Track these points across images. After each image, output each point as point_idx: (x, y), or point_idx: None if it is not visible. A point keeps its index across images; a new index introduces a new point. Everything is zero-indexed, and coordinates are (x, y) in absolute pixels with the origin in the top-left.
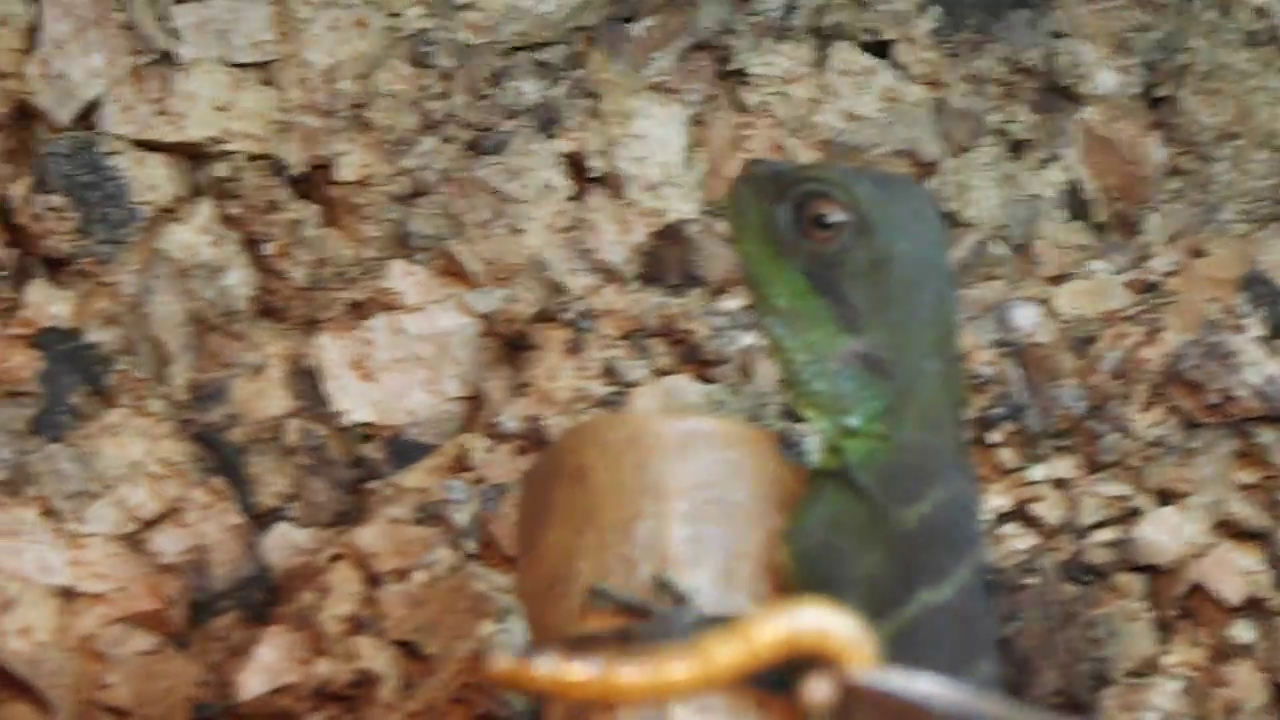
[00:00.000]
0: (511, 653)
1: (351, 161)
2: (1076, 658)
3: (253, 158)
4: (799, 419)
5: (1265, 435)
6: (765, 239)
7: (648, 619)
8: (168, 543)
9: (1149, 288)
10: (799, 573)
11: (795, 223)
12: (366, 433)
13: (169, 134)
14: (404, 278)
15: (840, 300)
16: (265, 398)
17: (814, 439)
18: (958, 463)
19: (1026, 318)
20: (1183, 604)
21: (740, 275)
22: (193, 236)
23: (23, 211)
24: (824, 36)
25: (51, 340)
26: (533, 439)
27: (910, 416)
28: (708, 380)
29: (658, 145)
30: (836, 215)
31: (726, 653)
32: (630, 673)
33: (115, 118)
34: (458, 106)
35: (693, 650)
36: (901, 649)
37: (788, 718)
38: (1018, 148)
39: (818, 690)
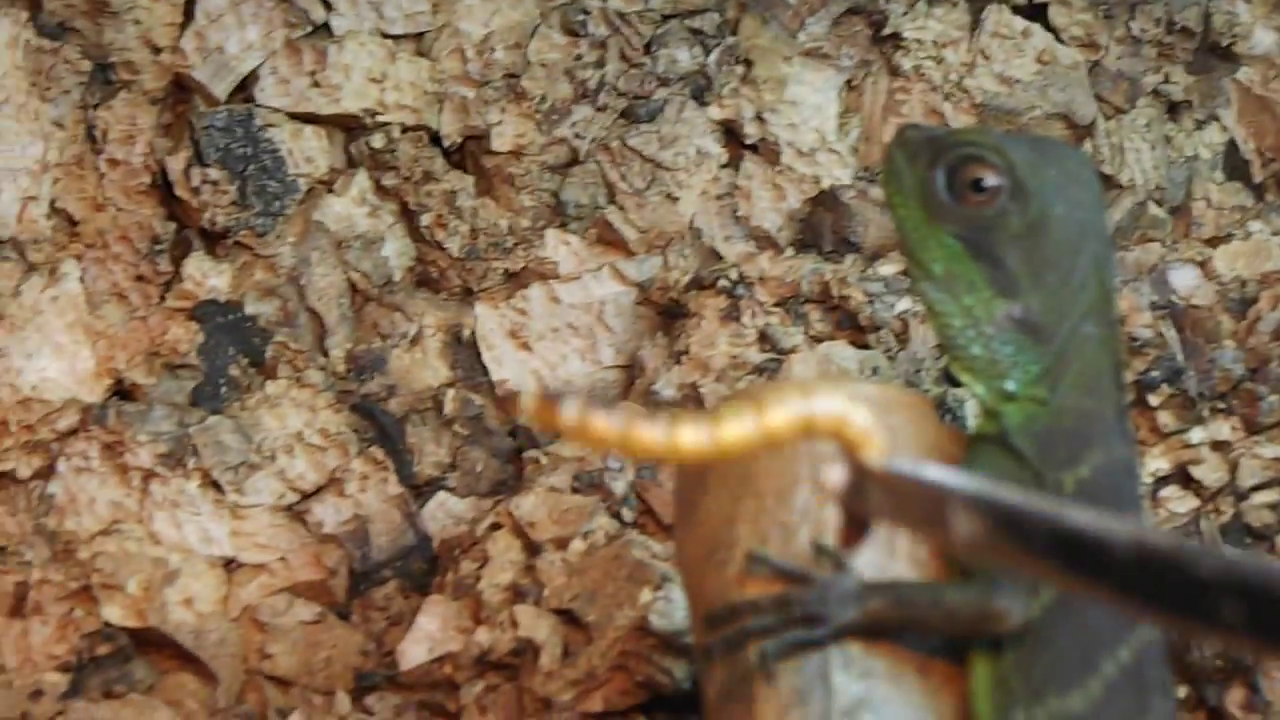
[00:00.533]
0: (548, 401)
1: (506, 131)
2: None
3: (408, 129)
4: (956, 383)
5: None
6: (920, 204)
7: (807, 585)
8: (328, 513)
9: None
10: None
11: (950, 188)
12: None
13: (324, 106)
14: (559, 247)
15: (996, 265)
16: (423, 368)
17: (971, 403)
18: (1117, 427)
19: (1185, 280)
20: None
21: (896, 241)
22: (349, 208)
23: (181, 185)
24: (978, 0)
25: (210, 313)
26: (689, 407)
27: (1069, 381)
28: (864, 346)
29: (812, 111)
30: (992, 179)
31: (740, 427)
32: (647, 431)
33: (271, 90)
34: (611, 75)
35: (709, 421)
36: (1062, 613)
37: (948, 681)
38: (1174, 109)
39: (833, 474)
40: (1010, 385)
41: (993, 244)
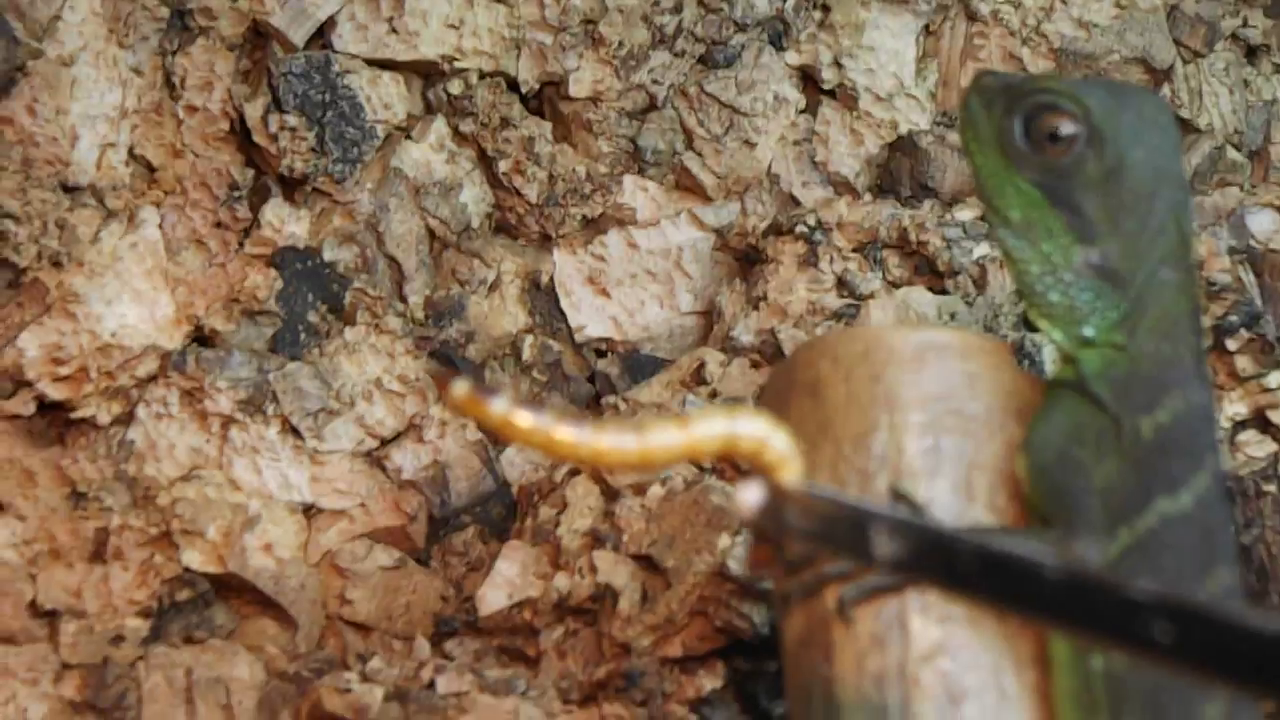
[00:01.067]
0: (469, 386)
1: (583, 77)
2: None
3: (485, 75)
4: (1034, 329)
5: None
6: (998, 152)
7: None
8: (407, 459)
9: None
10: (1036, 483)
11: (1027, 135)
12: (602, 348)
13: (402, 53)
14: (637, 193)
15: (1074, 211)
16: (501, 314)
17: (1049, 349)
18: (1196, 372)
19: (1263, 224)
20: None
21: (974, 187)
22: (427, 154)
23: (259, 131)
24: None
25: (289, 259)
26: (767, 353)
27: (1146, 326)
28: (942, 292)
29: (889, 56)
30: (1068, 127)
31: (664, 438)
32: (567, 433)
33: (349, 37)
34: (688, 21)
35: (633, 428)
36: (1138, 557)
37: (1024, 627)
38: (1253, 53)
39: (749, 495)
40: (1088, 331)
41: (1070, 190)
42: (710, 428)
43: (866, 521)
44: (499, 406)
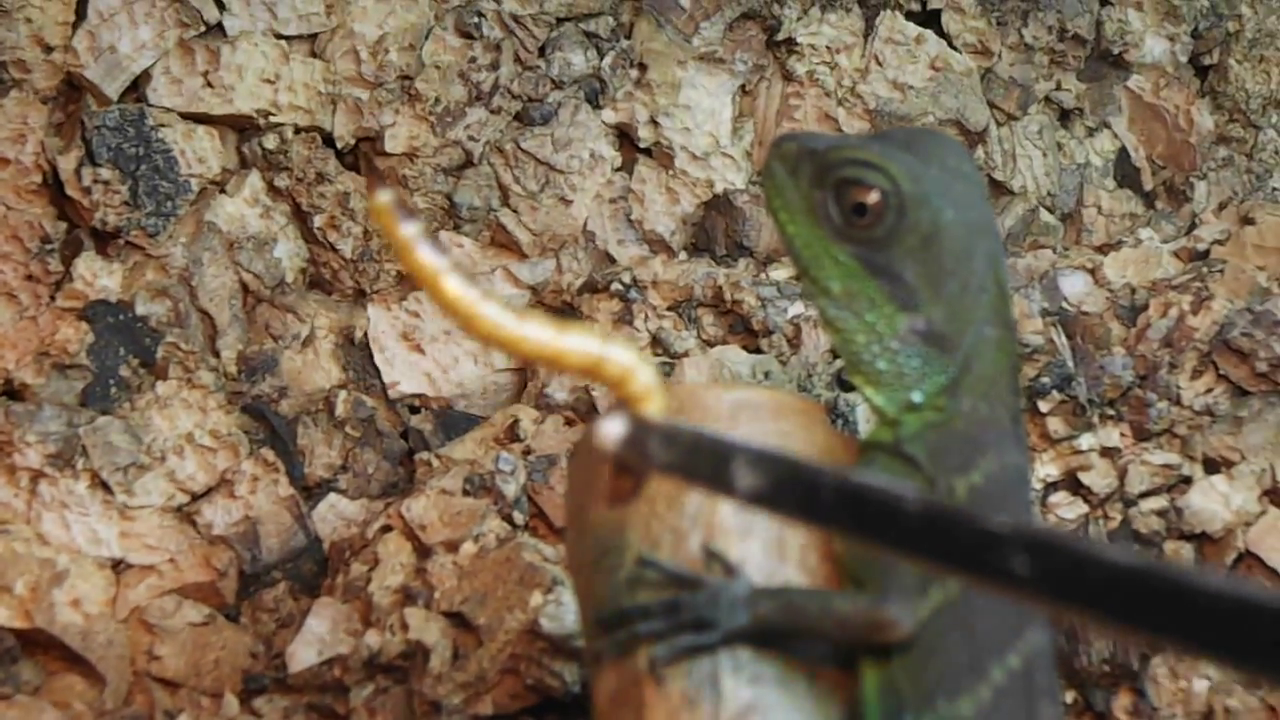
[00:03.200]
0: (396, 210)
1: (399, 133)
2: None
3: (301, 129)
4: (848, 388)
5: None
6: (812, 224)
7: (698, 590)
8: (218, 515)
9: (1197, 256)
10: (849, 549)
11: (839, 209)
12: (416, 404)
13: (217, 106)
14: (452, 249)
15: (895, 280)
16: (315, 370)
17: (863, 409)
18: (1012, 432)
19: (1075, 286)
20: (1232, 571)
21: (790, 256)
22: (241, 208)
23: (73, 184)
24: (871, 6)
25: (101, 313)
26: (581, 410)
27: (968, 386)
28: (756, 350)
29: (706, 115)
30: (876, 198)
31: (538, 335)
32: (456, 285)
33: (163, 90)
34: (505, 78)
35: (516, 314)
36: (950, 618)
37: (838, 687)
38: (1066, 116)
39: (612, 426)
40: (916, 396)
41: (889, 260)
42: (583, 344)
43: (728, 454)
44: (408, 230)
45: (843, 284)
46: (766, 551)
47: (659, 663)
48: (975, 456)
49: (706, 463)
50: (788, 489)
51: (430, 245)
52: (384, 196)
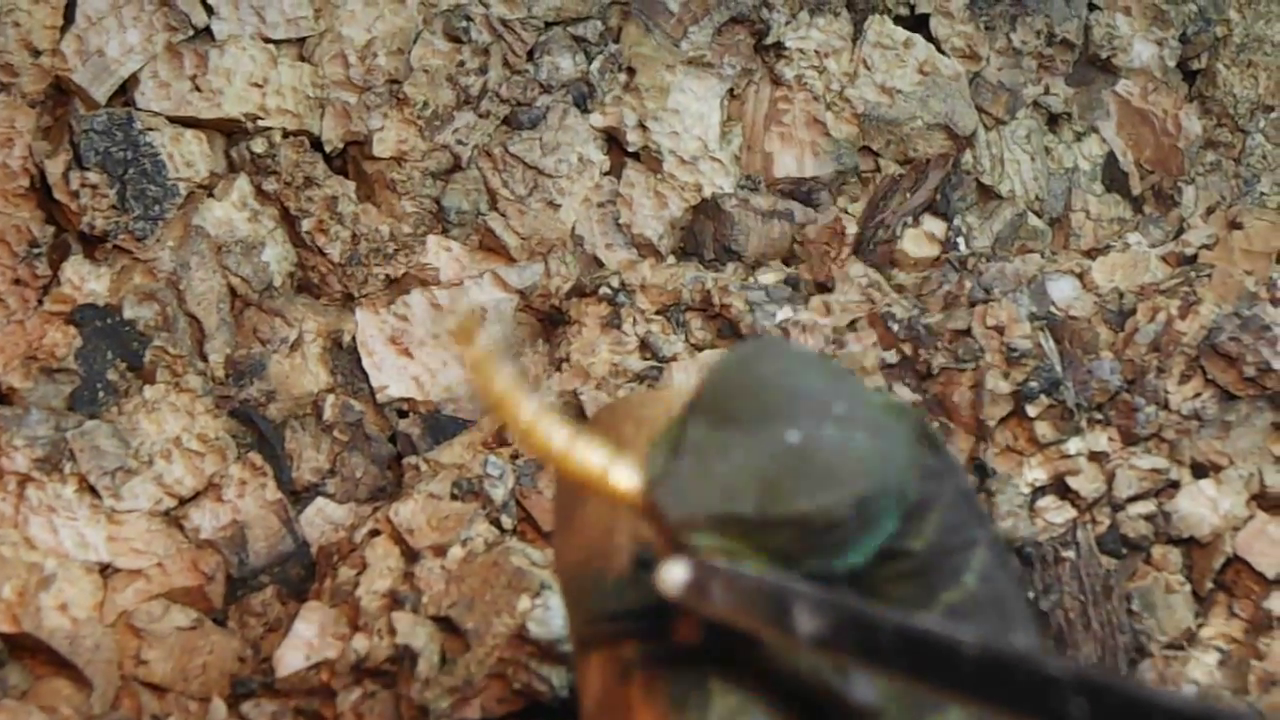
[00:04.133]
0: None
1: (388, 137)
2: (1114, 630)
3: (289, 134)
4: None
5: None
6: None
7: None
8: (205, 519)
9: (1185, 260)
10: None
11: None
12: (404, 408)
13: (205, 110)
14: (440, 253)
15: None
16: (303, 374)
17: None
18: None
19: (1063, 291)
20: (1220, 577)
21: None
22: (229, 212)
23: (60, 188)
24: (860, 10)
25: (88, 317)
26: (570, 414)
27: None
28: None
29: (694, 119)
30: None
31: (552, 435)
32: (505, 380)
33: (151, 94)
34: (494, 82)
35: (539, 411)
36: None
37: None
38: (1054, 120)
39: (675, 572)
40: None
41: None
42: (590, 457)
43: (789, 598)
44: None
45: None
46: None
47: (649, 667)
48: (924, 513)
49: (768, 607)
50: (848, 633)
51: (508, 368)
52: (462, 318)
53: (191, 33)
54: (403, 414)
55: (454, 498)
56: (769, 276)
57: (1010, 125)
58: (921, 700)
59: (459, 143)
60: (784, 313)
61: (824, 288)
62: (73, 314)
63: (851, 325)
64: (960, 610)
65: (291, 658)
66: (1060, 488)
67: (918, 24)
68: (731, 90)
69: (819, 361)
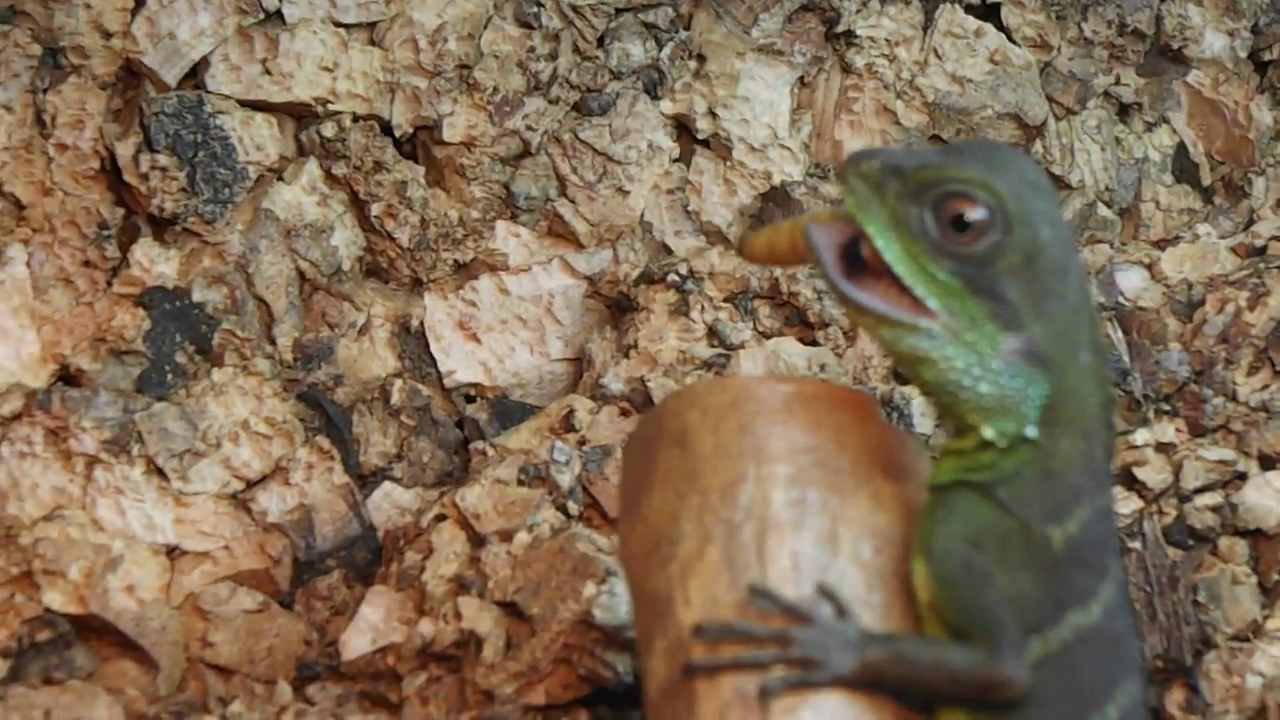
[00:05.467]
0: None
1: (457, 122)
2: (1180, 622)
3: (359, 118)
4: (904, 381)
5: None
6: (907, 241)
7: (808, 626)
8: (273, 502)
9: (1255, 252)
10: (942, 593)
11: (937, 226)
12: (471, 393)
13: (275, 94)
14: (509, 239)
15: (998, 298)
16: (371, 358)
17: (918, 403)
18: (1104, 471)
19: (1132, 281)
20: None
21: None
22: (299, 196)
23: (130, 170)
24: None
25: (158, 299)
26: (637, 401)
27: (1064, 420)
28: (812, 343)
29: (764, 107)
30: (981, 215)
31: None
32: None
33: (222, 77)
34: (564, 68)
35: None
36: (1051, 671)
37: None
38: (1125, 111)
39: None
40: (1030, 431)
41: (991, 278)
42: None
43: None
44: None
45: (942, 302)
46: (818, 544)
47: (770, 693)
48: (1071, 504)
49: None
50: None
51: None
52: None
53: (262, 16)
54: (470, 399)
55: (520, 483)
56: None
57: (1080, 115)
58: (1081, 689)
59: (529, 128)
60: None
61: None
62: (142, 296)
63: None
64: (1084, 638)
65: (357, 641)
66: (1127, 478)
67: (989, 13)
68: (802, 78)
69: None
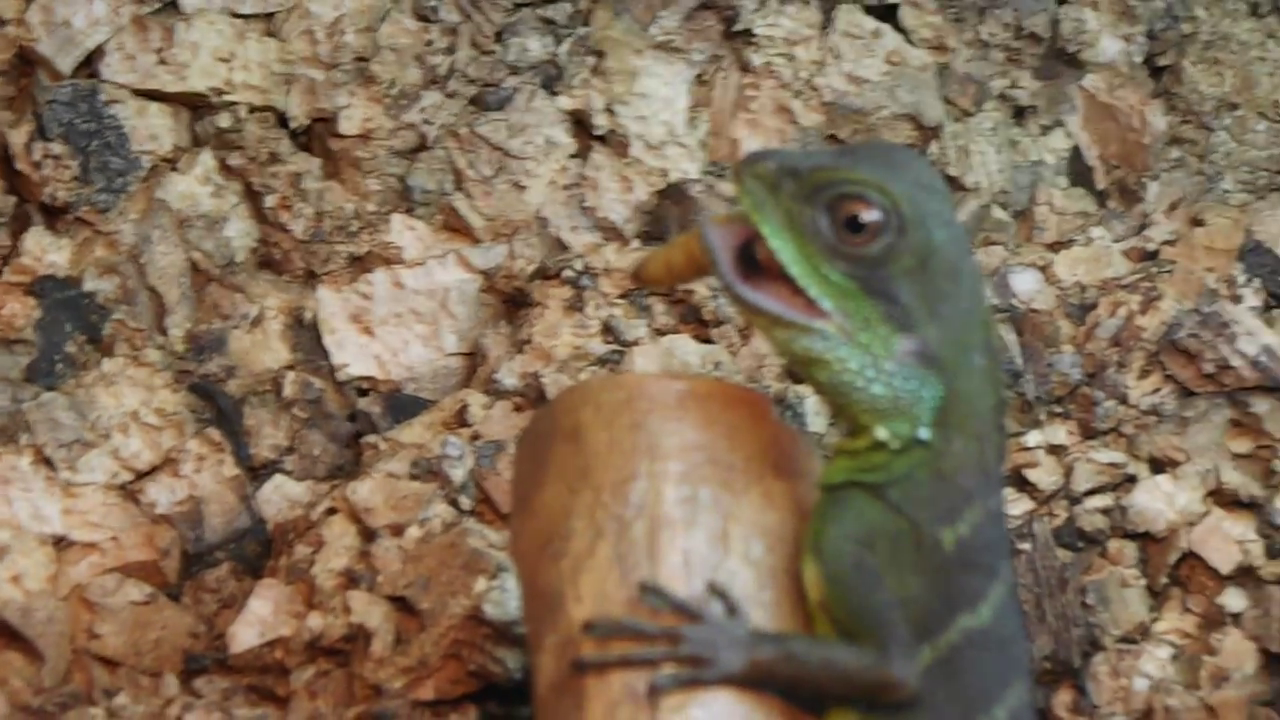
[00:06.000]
0: None
1: (354, 115)
2: (1068, 623)
3: (255, 109)
4: (799, 380)
5: (1259, 405)
6: (801, 242)
7: (698, 623)
8: (162, 493)
9: (1148, 256)
10: (833, 593)
11: (832, 227)
12: (364, 387)
13: (171, 84)
14: (404, 232)
15: (891, 300)
16: (263, 350)
17: (812, 402)
18: (995, 473)
19: (1026, 284)
20: (1174, 572)
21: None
22: (193, 187)
23: (22, 158)
24: None
25: (49, 288)
26: (531, 396)
27: (955, 423)
28: (707, 341)
29: (661, 104)
30: (875, 216)
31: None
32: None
33: (117, 66)
34: (461, 62)
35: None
36: (940, 675)
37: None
38: (1020, 113)
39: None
40: (923, 433)
41: (884, 279)
42: None
43: None
44: None
45: (836, 303)
46: (710, 542)
47: (659, 691)
48: (962, 506)
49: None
50: None
51: None
52: None
53: (158, 5)
54: (363, 392)
55: (413, 477)
56: None
57: (976, 117)
58: (970, 690)
59: (425, 122)
60: None
61: None
62: (32, 285)
63: None
64: (974, 640)
65: (245, 634)
66: (1018, 480)
67: (887, 14)
68: (700, 76)
69: None
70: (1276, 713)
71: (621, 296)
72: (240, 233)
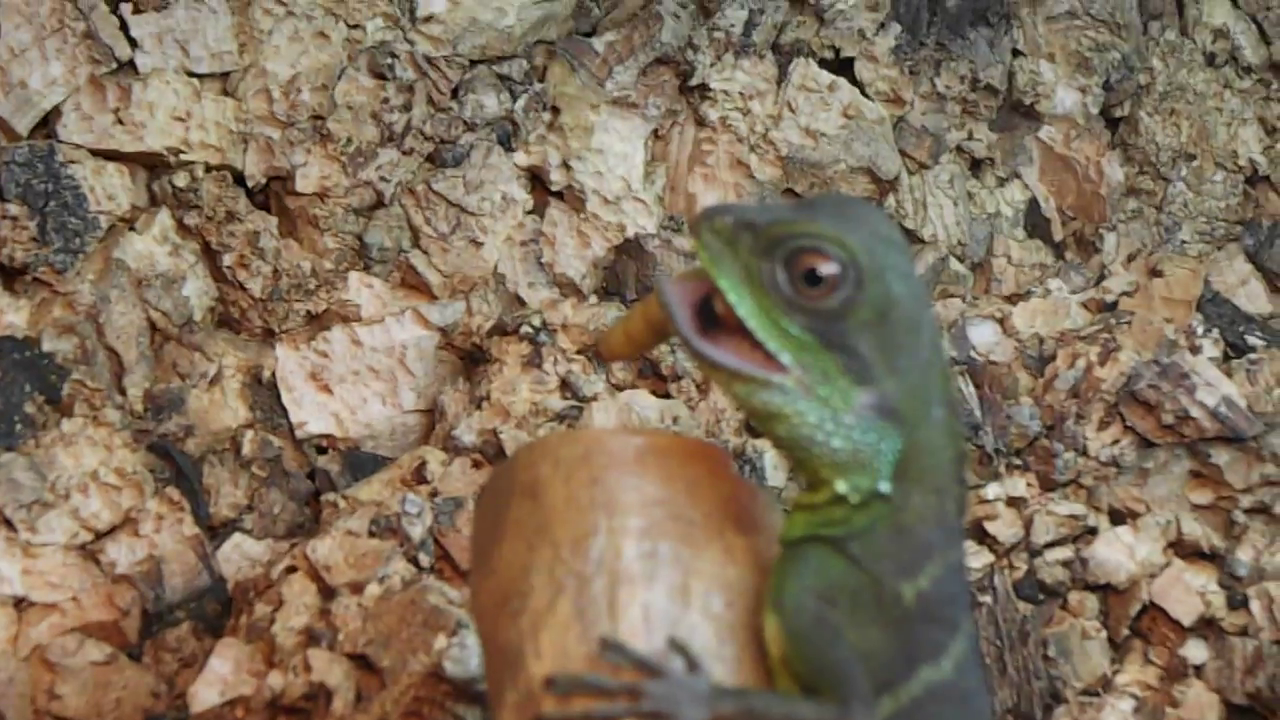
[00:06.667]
0: None
1: (311, 173)
2: (1030, 676)
3: (211, 168)
4: (757, 435)
5: (1220, 455)
6: (760, 295)
7: (659, 678)
8: (122, 553)
9: (1106, 307)
10: (794, 648)
11: (789, 281)
12: (323, 445)
13: (128, 143)
14: (362, 289)
15: (850, 353)
16: (222, 409)
17: (770, 456)
18: (956, 528)
19: (984, 336)
20: (1136, 623)
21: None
22: (150, 246)
23: None
24: (785, 53)
25: (6, 349)
26: (489, 453)
27: (917, 475)
28: (665, 395)
29: (618, 160)
30: (833, 270)
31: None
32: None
33: (74, 127)
34: (418, 119)
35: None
36: None
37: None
38: (977, 166)
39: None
40: (883, 486)
41: (843, 333)
42: None
43: None
44: None
45: (794, 356)
46: (670, 597)
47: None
48: (923, 559)
49: None
50: None
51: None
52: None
53: (115, 65)
54: (322, 450)
55: (372, 535)
56: None
57: (933, 170)
58: None
59: (382, 179)
60: None
61: None
62: None
63: None
64: (935, 693)
65: (206, 694)
66: (978, 532)
67: (842, 68)
68: (656, 131)
69: None
70: None
71: (579, 352)
72: (198, 291)
